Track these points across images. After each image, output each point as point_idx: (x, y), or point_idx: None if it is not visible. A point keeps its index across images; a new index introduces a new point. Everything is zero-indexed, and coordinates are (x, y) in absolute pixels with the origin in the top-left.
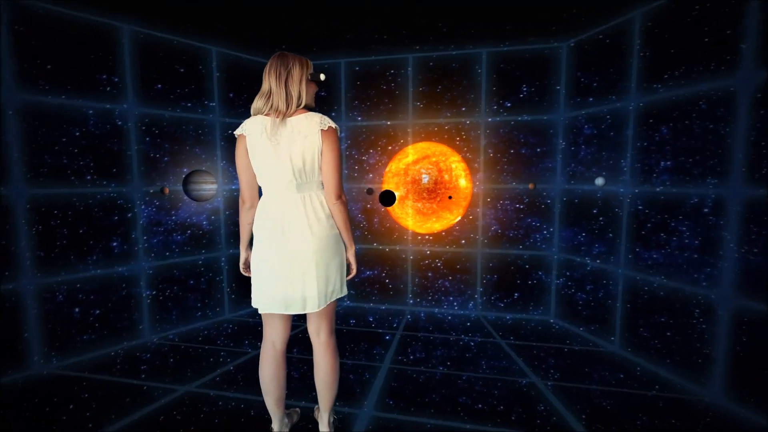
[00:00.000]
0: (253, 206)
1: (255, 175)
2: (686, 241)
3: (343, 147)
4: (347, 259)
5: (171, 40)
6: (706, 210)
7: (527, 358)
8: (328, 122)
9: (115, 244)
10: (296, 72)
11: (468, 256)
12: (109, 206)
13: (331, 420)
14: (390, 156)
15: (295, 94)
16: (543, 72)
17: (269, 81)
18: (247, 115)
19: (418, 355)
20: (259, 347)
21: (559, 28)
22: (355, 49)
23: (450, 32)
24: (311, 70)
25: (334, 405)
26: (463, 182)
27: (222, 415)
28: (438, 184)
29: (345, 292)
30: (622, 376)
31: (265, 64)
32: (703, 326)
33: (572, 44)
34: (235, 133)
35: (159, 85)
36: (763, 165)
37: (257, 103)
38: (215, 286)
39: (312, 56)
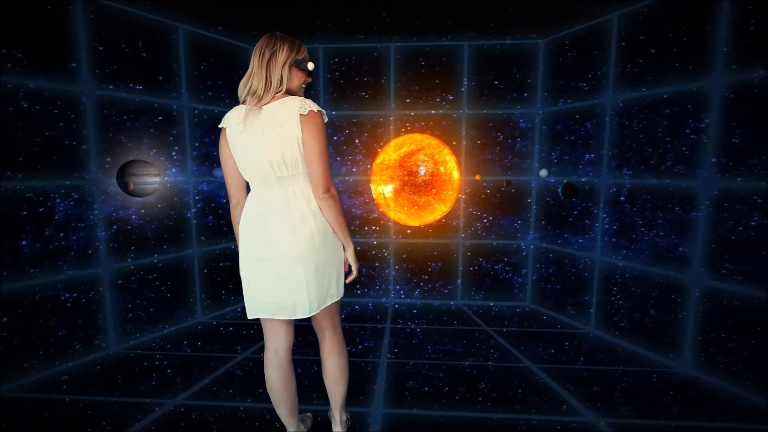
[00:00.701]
0: (240, 204)
1: (239, 171)
2: (661, 229)
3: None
4: (345, 260)
5: (131, 14)
6: (677, 201)
7: (516, 344)
8: (309, 105)
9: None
10: (282, 55)
11: (448, 247)
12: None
13: (344, 419)
14: (369, 147)
15: (275, 79)
16: (521, 66)
17: (252, 62)
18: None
19: (412, 347)
20: (237, 352)
21: (537, 25)
22: (336, 35)
23: (431, 24)
24: (301, 57)
25: (346, 403)
26: (456, 174)
27: (228, 425)
28: (434, 176)
29: (341, 294)
30: (601, 355)
31: (234, 45)
32: (675, 305)
33: (549, 41)
34: (219, 126)
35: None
36: (732, 160)
37: (240, 86)
38: (185, 288)
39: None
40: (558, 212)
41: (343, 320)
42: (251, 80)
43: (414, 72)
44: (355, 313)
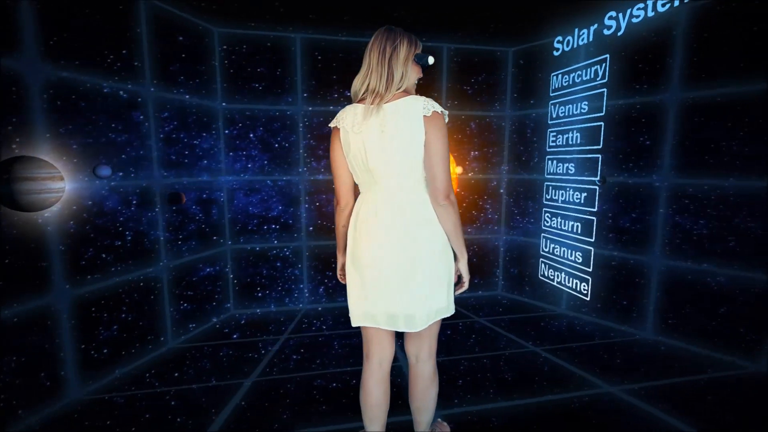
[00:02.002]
0: (348, 206)
1: (351, 173)
2: (634, 219)
3: (306, 137)
4: (458, 270)
5: None
6: (642, 192)
7: (510, 331)
8: (432, 106)
9: None
10: (403, 50)
11: None
12: None
13: None
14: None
15: (397, 75)
16: (491, 72)
17: (370, 58)
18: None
19: None
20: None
21: (505, 36)
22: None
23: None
24: (419, 51)
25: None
26: (459, 170)
27: None
28: None
29: (452, 310)
30: (576, 330)
31: (199, 25)
32: (641, 282)
33: (517, 51)
34: (330, 125)
35: None
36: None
37: (355, 83)
38: (155, 309)
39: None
40: (526, 205)
41: (335, 327)
42: (369, 77)
43: None
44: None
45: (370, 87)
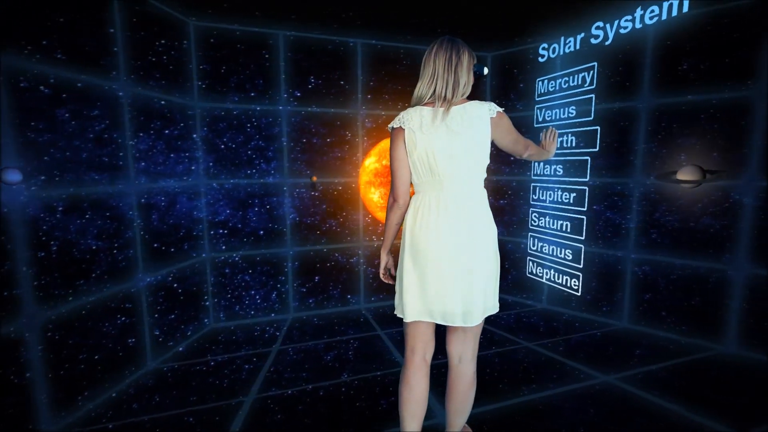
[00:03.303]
0: (406, 205)
1: (411, 172)
2: (613, 219)
3: (287, 136)
4: (551, 132)
5: None
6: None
7: (503, 329)
8: (495, 108)
9: None
10: (466, 59)
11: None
12: None
13: None
14: (331, 146)
15: (462, 82)
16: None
17: (436, 65)
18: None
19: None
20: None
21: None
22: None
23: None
24: (476, 62)
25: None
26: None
27: None
28: None
29: (497, 308)
30: (555, 324)
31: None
32: (620, 275)
33: (496, 56)
34: (390, 126)
35: None
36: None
37: (420, 89)
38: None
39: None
40: (498, 204)
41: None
42: (435, 83)
43: (379, 69)
44: (330, 325)
45: (437, 92)
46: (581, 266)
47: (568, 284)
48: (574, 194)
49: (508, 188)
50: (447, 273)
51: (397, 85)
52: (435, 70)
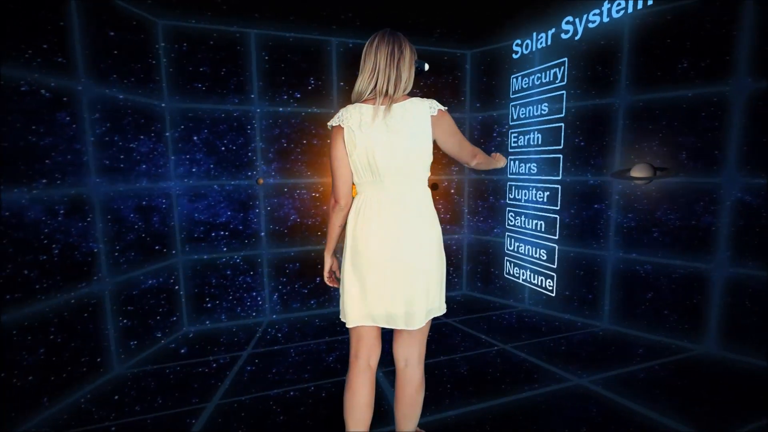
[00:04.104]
0: (348, 206)
1: (351, 172)
2: (587, 218)
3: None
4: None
5: None
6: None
7: (480, 331)
8: (437, 105)
9: None
10: (408, 54)
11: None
12: None
13: None
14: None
15: (404, 78)
16: (450, 74)
17: (377, 59)
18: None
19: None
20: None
21: (464, 38)
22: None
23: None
24: (416, 57)
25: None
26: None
27: None
28: None
29: (444, 309)
30: (543, 323)
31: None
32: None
33: (475, 53)
34: (329, 124)
35: None
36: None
37: (361, 84)
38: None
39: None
40: (484, 204)
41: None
42: (376, 78)
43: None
44: (316, 329)
45: (378, 87)
46: (555, 266)
47: (543, 285)
48: (548, 193)
49: (486, 188)
50: (387, 275)
51: None
52: (376, 64)
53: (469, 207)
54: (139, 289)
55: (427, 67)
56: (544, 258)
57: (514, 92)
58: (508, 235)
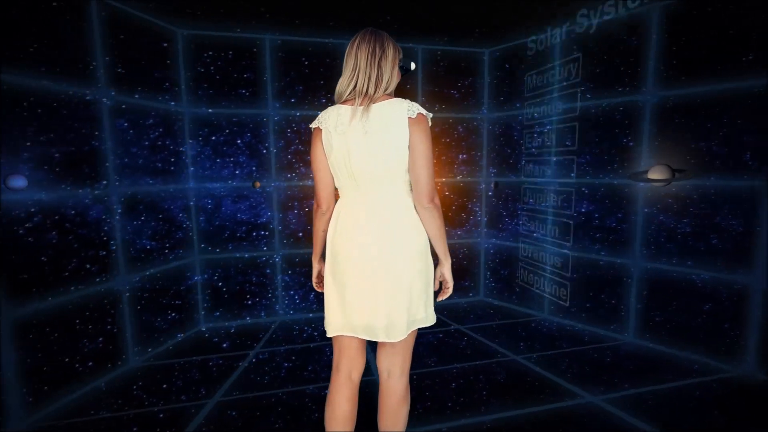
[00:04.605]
0: (329, 210)
1: (333, 175)
2: (607, 223)
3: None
4: (443, 275)
5: None
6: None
7: (492, 340)
8: (417, 108)
9: None
10: (391, 52)
11: None
12: None
13: None
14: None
15: (386, 77)
16: (469, 73)
17: (358, 58)
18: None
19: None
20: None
21: (482, 36)
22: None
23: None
24: (402, 56)
25: None
26: None
27: None
28: None
29: (431, 320)
30: (560, 334)
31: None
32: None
33: (493, 51)
34: (310, 125)
35: None
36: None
37: (341, 84)
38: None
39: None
40: (505, 209)
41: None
42: (355, 78)
43: None
44: (309, 331)
45: (358, 88)
46: (571, 274)
47: (561, 294)
48: (563, 196)
49: (504, 191)
50: (367, 285)
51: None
52: (357, 64)
53: (487, 210)
54: (186, 285)
55: (413, 66)
56: (560, 265)
57: (529, 91)
58: (524, 241)
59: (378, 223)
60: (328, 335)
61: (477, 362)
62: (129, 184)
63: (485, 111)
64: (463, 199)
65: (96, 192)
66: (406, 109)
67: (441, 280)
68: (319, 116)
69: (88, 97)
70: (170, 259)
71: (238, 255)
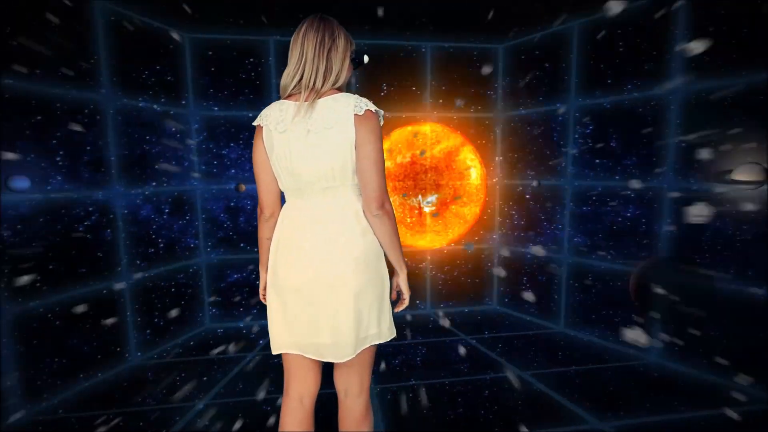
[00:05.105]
0: (273, 216)
1: (275, 178)
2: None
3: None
4: (398, 286)
5: None
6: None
7: (497, 352)
8: (365, 104)
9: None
10: (342, 44)
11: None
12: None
13: None
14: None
15: (335, 69)
16: (480, 70)
17: (304, 48)
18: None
19: (397, 365)
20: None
21: (496, 30)
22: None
23: (393, 23)
24: (354, 47)
25: None
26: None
27: None
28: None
29: (391, 334)
30: (576, 353)
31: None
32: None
33: (508, 46)
34: (253, 123)
35: None
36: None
37: (285, 77)
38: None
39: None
40: (522, 212)
41: None
42: (301, 70)
43: (375, 71)
44: None
45: (304, 81)
46: (593, 284)
47: (582, 305)
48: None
49: (517, 191)
50: (309, 300)
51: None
52: (303, 54)
53: (500, 212)
54: (226, 282)
55: (367, 59)
56: (585, 275)
57: (554, 86)
58: (545, 247)
59: (322, 230)
60: (273, 353)
61: (474, 377)
62: (176, 185)
63: (500, 109)
64: (474, 198)
65: (146, 192)
66: (353, 104)
67: (397, 290)
68: (262, 112)
69: (141, 105)
70: (212, 257)
71: None
